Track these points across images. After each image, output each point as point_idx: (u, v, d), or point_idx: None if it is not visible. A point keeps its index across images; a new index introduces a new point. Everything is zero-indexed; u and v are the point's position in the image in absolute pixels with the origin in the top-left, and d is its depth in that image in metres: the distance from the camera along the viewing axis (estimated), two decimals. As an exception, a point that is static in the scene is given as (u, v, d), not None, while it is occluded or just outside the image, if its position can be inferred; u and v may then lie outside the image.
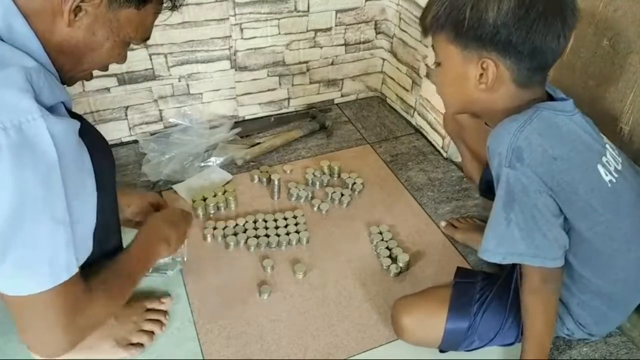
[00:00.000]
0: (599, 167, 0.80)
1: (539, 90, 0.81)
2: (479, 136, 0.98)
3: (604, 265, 0.86)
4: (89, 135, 0.70)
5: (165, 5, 0.78)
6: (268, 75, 1.66)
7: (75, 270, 0.67)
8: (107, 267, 0.81)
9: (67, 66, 0.72)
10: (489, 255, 0.81)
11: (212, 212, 1.36)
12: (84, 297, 0.71)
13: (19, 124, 0.57)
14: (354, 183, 1.45)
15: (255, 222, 1.32)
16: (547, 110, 0.77)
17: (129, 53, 0.82)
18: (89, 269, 0.72)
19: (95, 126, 0.85)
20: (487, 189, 1.04)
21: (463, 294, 0.98)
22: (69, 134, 0.63)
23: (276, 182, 1.40)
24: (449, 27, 0.76)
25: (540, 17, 0.70)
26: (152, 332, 1.05)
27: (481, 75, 0.77)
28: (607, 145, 0.86)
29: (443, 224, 1.36)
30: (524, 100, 0.80)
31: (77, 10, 0.66)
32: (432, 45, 0.83)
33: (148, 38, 0.79)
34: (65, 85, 0.76)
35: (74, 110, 0.75)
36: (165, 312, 1.09)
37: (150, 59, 1.46)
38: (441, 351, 1.00)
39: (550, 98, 0.83)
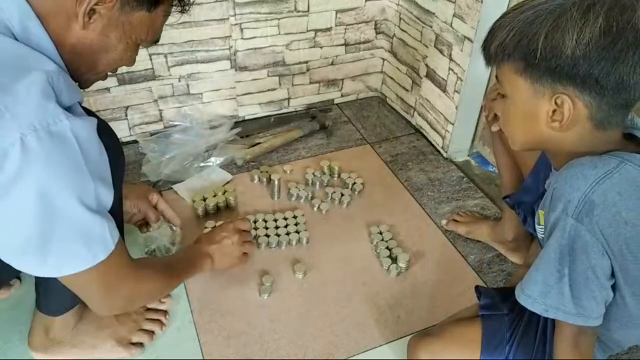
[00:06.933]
0: None
1: (616, 133, 0.72)
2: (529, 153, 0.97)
3: (625, 325, 0.81)
4: (104, 131, 0.72)
5: (174, 8, 0.80)
6: (268, 75, 1.66)
7: (111, 247, 0.71)
8: (155, 259, 0.99)
9: (83, 68, 0.74)
10: (530, 303, 0.75)
11: (212, 212, 1.36)
12: (126, 270, 0.78)
13: (47, 125, 0.60)
14: (354, 183, 1.46)
15: (255, 222, 1.32)
16: (633, 165, 0.68)
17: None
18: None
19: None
20: (513, 205, 1.03)
21: (493, 336, 0.90)
22: (90, 131, 0.65)
23: (276, 182, 1.40)
24: (518, 57, 0.68)
25: (629, 48, 0.62)
26: (152, 332, 1.06)
27: (554, 111, 0.68)
28: None
29: (444, 222, 1.36)
30: (599, 142, 0.71)
31: (91, 13, 0.67)
32: (496, 76, 0.74)
33: (158, 40, 0.81)
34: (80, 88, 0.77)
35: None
36: (165, 312, 1.10)
37: (150, 59, 1.46)
38: None
39: (627, 137, 0.74)
